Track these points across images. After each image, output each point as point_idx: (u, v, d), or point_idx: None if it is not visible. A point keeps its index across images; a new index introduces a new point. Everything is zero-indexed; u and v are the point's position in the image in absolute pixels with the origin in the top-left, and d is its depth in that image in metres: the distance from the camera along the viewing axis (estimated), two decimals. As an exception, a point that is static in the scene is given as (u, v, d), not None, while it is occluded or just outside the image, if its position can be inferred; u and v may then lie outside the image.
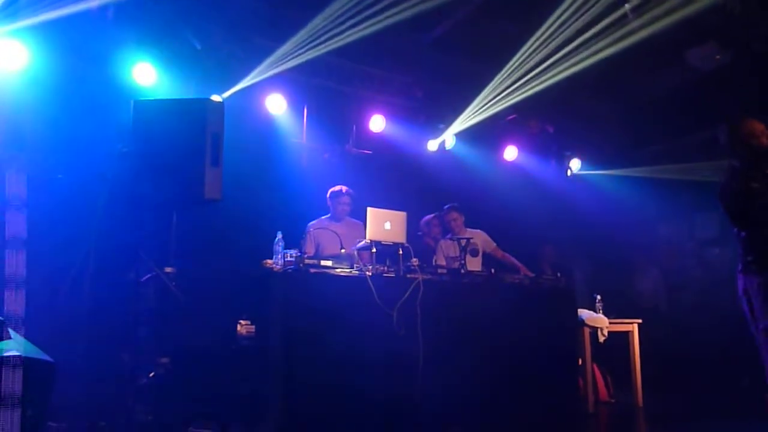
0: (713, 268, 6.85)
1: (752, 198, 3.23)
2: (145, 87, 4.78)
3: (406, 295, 3.89)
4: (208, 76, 4.98)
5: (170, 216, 3.40)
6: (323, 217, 4.91)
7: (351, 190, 4.91)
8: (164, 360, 3.29)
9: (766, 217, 3.23)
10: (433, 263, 4.99)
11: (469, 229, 5.27)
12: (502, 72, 5.82)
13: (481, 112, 6.44)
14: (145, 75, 4.81)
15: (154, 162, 3.30)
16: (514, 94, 6.02)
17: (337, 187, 4.91)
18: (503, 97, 6.02)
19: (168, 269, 3.33)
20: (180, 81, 4.92)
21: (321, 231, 4.68)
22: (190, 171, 3.34)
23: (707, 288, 6.63)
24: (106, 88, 4.52)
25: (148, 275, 3.28)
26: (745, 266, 3.31)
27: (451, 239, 5.10)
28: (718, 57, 5.55)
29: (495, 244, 5.31)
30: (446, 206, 5.36)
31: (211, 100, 3.49)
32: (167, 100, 3.74)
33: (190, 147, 3.37)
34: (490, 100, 6.08)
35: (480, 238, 5.28)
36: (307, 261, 3.79)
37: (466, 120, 6.42)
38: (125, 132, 3.53)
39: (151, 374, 3.28)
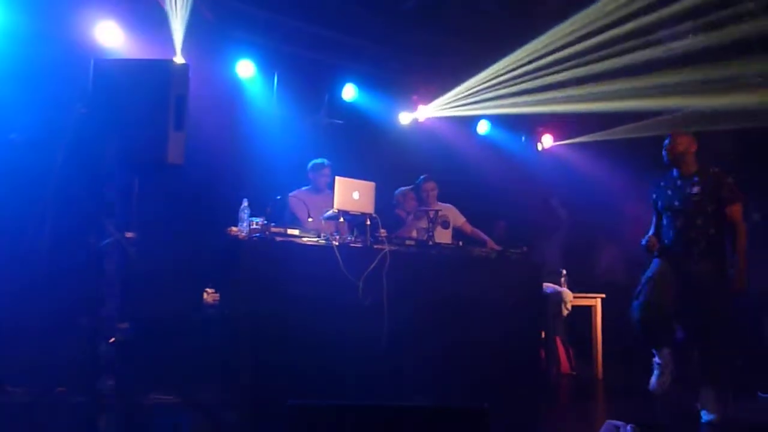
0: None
1: None
2: (108, 47, 4.63)
3: (373, 266, 3.89)
4: (174, 38, 4.82)
5: (132, 180, 3.31)
6: (303, 189, 4.90)
7: (331, 163, 4.92)
8: (124, 325, 3.23)
9: None
10: (404, 234, 5.02)
11: (439, 203, 5.27)
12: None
13: (454, 84, 6.42)
14: (109, 34, 4.65)
15: (115, 124, 3.19)
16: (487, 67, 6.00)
17: (319, 160, 4.94)
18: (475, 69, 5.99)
19: (129, 234, 3.25)
20: (145, 42, 4.76)
21: (297, 201, 4.68)
22: (152, 134, 3.22)
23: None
24: (66, 46, 4.36)
25: (108, 240, 3.20)
26: None
27: (420, 211, 5.10)
28: (690, 36, 5.57)
29: (464, 219, 5.33)
30: (423, 176, 5.35)
31: (176, 62, 3.38)
32: (130, 60, 3.62)
33: (153, 110, 3.25)
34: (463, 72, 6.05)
35: (450, 212, 5.29)
36: (273, 229, 3.75)
37: (439, 92, 6.39)
38: (85, 92, 3.40)
39: (111, 340, 3.22)
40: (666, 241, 3.86)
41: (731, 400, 3.64)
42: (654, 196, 4.00)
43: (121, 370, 3.33)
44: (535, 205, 6.75)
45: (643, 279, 3.93)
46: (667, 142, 3.88)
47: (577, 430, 3.50)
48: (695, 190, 3.74)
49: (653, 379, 3.81)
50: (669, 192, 3.87)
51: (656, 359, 3.85)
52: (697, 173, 3.79)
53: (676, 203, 3.81)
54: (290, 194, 4.77)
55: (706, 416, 3.59)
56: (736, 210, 3.68)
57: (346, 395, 3.71)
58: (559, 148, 7.40)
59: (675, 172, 3.88)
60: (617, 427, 2.85)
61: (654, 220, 4.05)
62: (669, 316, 3.85)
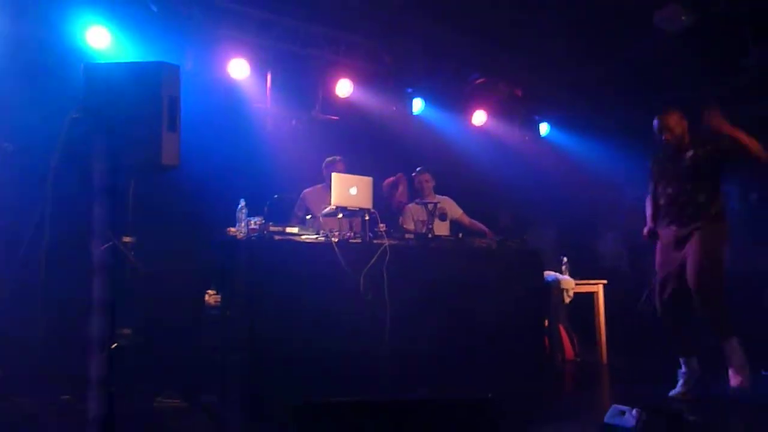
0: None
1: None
2: (98, 51, 4.60)
3: (373, 261, 3.88)
4: (165, 40, 4.80)
5: (127, 184, 3.30)
6: (318, 186, 4.93)
7: (344, 159, 4.94)
8: (126, 331, 3.22)
9: None
10: (400, 226, 5.03)
11: (436, 195, 5.26)
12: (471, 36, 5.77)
13: (449, 76, 6.40)
14: (99, 38, 4.63)
15: (108, 128, 3.17)
16: (483, 58, 5.97)
17: (332, 157, 4.95)
18: (471, 60, 5.96)
19: (126, 239, 3.24)
20: (136, 45, 4.74)
21: (313, 199, 4.73)
22: (145, 137, 3.20)
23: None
24: (57, 52, 4.34)
25: (106, 245, 3.18)
26: None
27: (418, 203, 5.08)
28: (683, 18, 5.54)
29: (461, 211, 5.32)
30: (419, 168, 5.32)
31: (167, 64, 3.33)
32: (120, 63, 3.56)
33: (146, 112, 3.21)
34: (457, 63, 6.02)
35: (447, 204, 5.28)
36: (271, 228, 3.73)
37: (434, 84, 6.37)
38: (77, 98, 3.37)
39: (114, 345, 3.21)
40: (660, 205, 3.97)
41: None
42: (652, 166, 4.10)
43: (125, 375, 3.33)
44: (536, 192, 6.73)
45: (655, 281, 3.98)
46: (656, 121, 3.94)
47: (583, 416, 3.49)
48: (689, 154, 3.83)
49: (676, 389, 3.81)
50: (665, 162, 3.98)
51: (682, 369, 3.84)
52: (691, 141, 3.89)
53: (670, 171, 3.92)
54: (305, 191, 4.83)
55: (734, 379, 3.60)
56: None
57: (351, 392, 3.68)
58: (559, 136, 7.38)
59: (670, 145, 3.93)
60: (623, 412, 2.84)
61: (651, 188, 4.12)
62: (687, 321, 3.86)
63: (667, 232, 3.90)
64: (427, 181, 5.23)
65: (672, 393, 3.79)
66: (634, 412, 2.80)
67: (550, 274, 5.23)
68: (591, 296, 5.48)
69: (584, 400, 4.19)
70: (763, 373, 4.31)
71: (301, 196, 4.86)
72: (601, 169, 7.11)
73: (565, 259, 5.44)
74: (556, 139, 7.37)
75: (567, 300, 5.28)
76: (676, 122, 3.90)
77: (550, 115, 7.34)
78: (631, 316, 5.89)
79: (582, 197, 7.07)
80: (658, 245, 3.98)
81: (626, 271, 6.96)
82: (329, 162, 4.95)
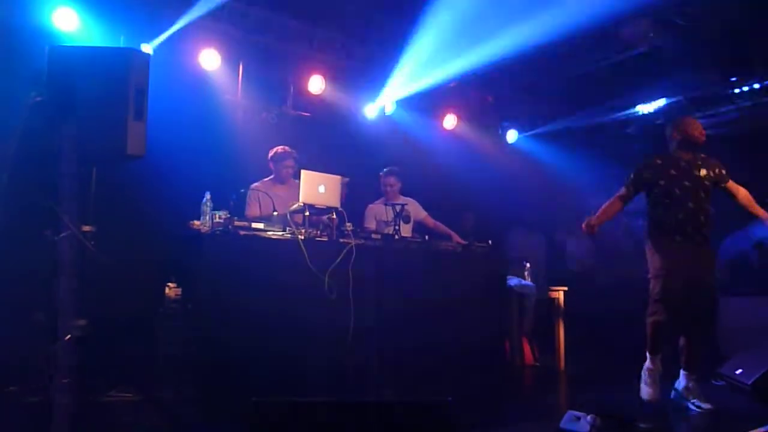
0: (638, 238, 7.17)
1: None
2: (66, 33, 4.47)
3: (339, 260, 3.87)
4: (136, 26, 4.70)
5: (89, 171, 3.21)
6: (266, 179, 4.73)
7: (295, 152, 4.74)
8: (82, 322, 3.14)
9: None
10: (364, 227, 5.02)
11: (401, 197, 5.25)
12: (444, 39, 5.79)
13: (422, 78, 6.42)
14: (67, 20, 4.50)
15: (71, 113, 3.09)
16: (455, 61, 6.01)
17: (280, 148, 4.72)
18: (444, 64, 6.00)
19: (86, 228, 3.16)
20: (105, 30, 4.62)
21: (263, 194, 4.54)
22: (111, 125, 3.14)
23: (633, 257, 6.94)
24: (22, 32, 4.20)
25: (64, 234, 3.10)
26: None
27: (385, 204, 5.09)
28: (651, 35, 5.69)
29: (426, 213, 5.33)
30: (385, 169, 5.30)
31: (136, 50, 3.30)
32: (87, 47, 3.52)
33: (112, 99, 3.16)
34: (431, 66, 6.04)
35: (412, 206, 5.29)
36: (237, 223, 3.69)
37: (406, 85, 6.38)
38: (40, 81, 3.28)
39: (68, 337, 3.13)
40: (672, 219, 3.81)
41: None
42: (646, 173, 3.92)
43: (79, 367, 3.25)
44: (502, 197, 6.81)
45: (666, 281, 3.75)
46: (693, 124, 3.88)
47: (539, 421, 3.54)
48: (703, 172, 3.82)
49: (648, 388, 3.80)
50: (673, 171, 3.83)
51: (649, 365, 3.84)
52: (699, 157, 3.88)
53: (687, 183, 3.79)
54: (252, 186, 4.56)
55: (703, 406, 3.64)
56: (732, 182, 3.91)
57: (312, 391, 3.70)
58: (526, 142, 7.49)
59: (680, 153, 3.87)
60: (578, 417, 2.90)
61: (624, 194, 4.01)
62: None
63: (683, 246, 3.77)
64: (392, 185, 5.19)
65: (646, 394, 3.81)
66: (588, 417, 2.86)
67: (512, 279, 5.30)
68: (552, 302, 5.57)
69: (541, 405, 4.25)
70: (714, 383, 4.45)
71: (251, 190, 4.51)
72: (566, 175, 7.24)
73: (527, 265, 5.52)
74: (524, 146, 7.48)
75: (528, 305, 5.36)
76: (701, 132, 3.87)
77: (519, 122, 7.45)
78: (592, 322, 6.01)
79: (547, 203, 7.18)
80: (668, 253, 3.77)
81: (591, 277, 7.09)
82: (277, 154, 4.70)
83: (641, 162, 4.00)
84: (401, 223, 4.67)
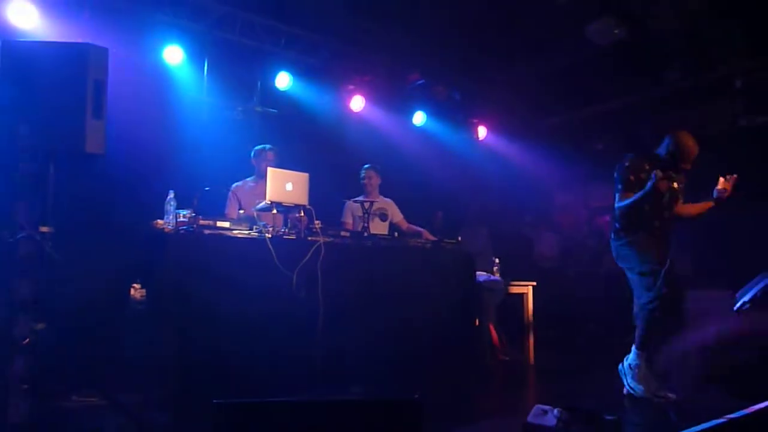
0: (603, 235, 7.31)
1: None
2: (22, 29, 4.33)
3: (307, 258, 3.83)
4: (96, 21, 4.57)
5: (46, 170, 3.11)
6: (248, 179, 4.76)
7: (276, 148, 4.75)
8: (40, 326, 3.04)
9: None
10: (341, 222, 5.08)
11: (381, 197, 5.28)
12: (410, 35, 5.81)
13: (390, 75, 6.42)
14: (22, 15, 4.36)
15: (26, 109, 2.99)
16: (423, 58, 6.02)
17: (261, 146, 4.76)
18: (410, 61, 6.01)
19: (44, 228, 3.06)
20: (63, 26, 4.49)
21: (244, 192, 4.55)
22: (68, 122, 3.05)
23: (596, 253, 7.07)
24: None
25: (21, 235, 3.00)
26: None
27: (356, 201, 5.07)
28: (616, 32, 5.78)
29: (402, 216, 5.37)
30: (367, 165, 5.33)
31: (94, 45, 3.17)
32: (43, 42, 3.38)
33: (69, 96, 3.07)
34: (398, 63, 6.04)
35: (390, 207, 5.32)
36: (201, 222, 3.62)
37: (375, 81, 6.37)
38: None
39: (26, 341, 3.03)
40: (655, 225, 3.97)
41: None
42: (627, 172, 3.97)
43: (38, 371, 3.16)
44: (471, 195, 6.86)
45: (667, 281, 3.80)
46: (690, 144, 3.96)
47: (508, 415, 3.57)
48: (679, 183, 4.03)
49: (644, 384, 3.83)
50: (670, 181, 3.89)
51: (638, 361, 3.86)
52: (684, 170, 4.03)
53: (669, 194, 3.91)
54: (235, 185, 4.61)
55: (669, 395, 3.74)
56: None
57: (281, 391, 3.64)
58: (494, 140, 7.54)
59: (675, 165, 3.97)
60: (545, 411, 2.92)
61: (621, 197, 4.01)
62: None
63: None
64: (371, 178, 5.24)
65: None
66: (555, 411, 2.89)
67: (481, 275, 5.34)
68: (521, 297, 5.63)
69: (510, 399, 4.29)
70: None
71: (231, 191, 4.57)
72: (534, 172, 7.33)
73: (496, 260, 5.56)
74: (492, 142, 7.53)
75: (497, 300, 5.40)
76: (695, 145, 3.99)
77: (487, 118, 7.50)
78: (559, 317, 6.09)
79: (515, 199, 7.26)
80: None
81: (555, 273, 7.19)
82: (258, 151, 4.76)
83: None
84: (378, 221, 4.66)
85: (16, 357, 3.05)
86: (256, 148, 4.79)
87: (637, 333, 3.88)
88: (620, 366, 3.97)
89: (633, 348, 3.91)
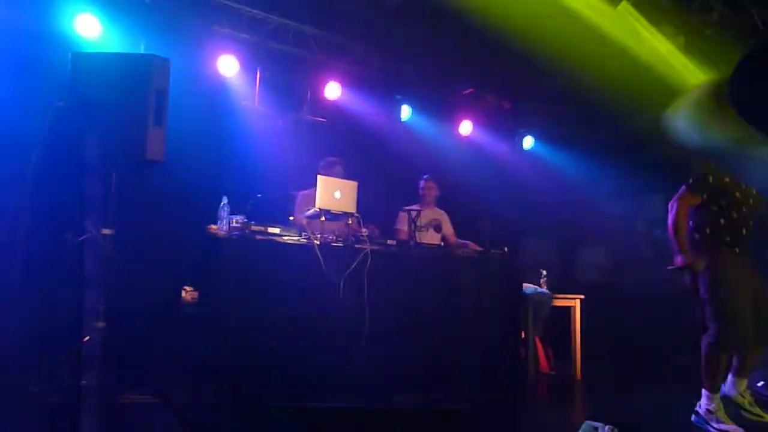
0: (658, 247, 7.09)
1: None
2: (88, 40, 4.55)
3: (354, 265, 3.87)
4: (156, 32, 4.76)
5: (110, 176, 3.25)
6: (313, 188, 4.83)
7: (343, 161, 4.84)
8: (100, 324, 3.17)
9: None
10: (395, 230, 5.13)
11: (436, 209, 5.31)
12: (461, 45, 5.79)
13: (438, 85, 6.42)
14: (88, 27, 4.57)
15: (93, 118, 3.13)
16: (472, 68, 6.00)
17: (330, 159, 4.86)
18: (461, 70, 5.99)
19: (106, 231, 3.19)
20: (125, 36, 4.69)
21: (307, 200, 4.60)
22: (131, 130, 3.18)
23: (652, 266, 6.86)
24: (45, 39, 4.28)
25: (84, 236, 3.13)
26: None
27: (416, 210, 5.07)
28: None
29: (452, 230, 5.38)
30: (425, 175, 5.42)
31: (157, 57, 3.30)
32: (109, 53, 3.56)
33: (133, 105, 3.20)
34: (447, 73, 6.04)
35: (443, 219, 5.33)
36: (253, 227, 3.71)
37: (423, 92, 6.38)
38: (63, 86, 3.33)
39: (86, 338, 3.16)
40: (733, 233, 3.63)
41: None
42: (705, 176, 3.63)
43: (96, 368, 3.28)
44: (520, 205, 6.78)
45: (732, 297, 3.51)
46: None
47: (555, 431, 3.51)
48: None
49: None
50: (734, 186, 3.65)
51: (712, 404, 3.48)
52: None
53: (750, 200, 3.66)
54: (302, 193, 4.69)
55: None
56: None
57: (327, 396, 3.69)
58: (542, 149, 7.45)
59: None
60: (596, 428, 2.86)
61: (690, 204, 3.66)
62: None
63: (743, 257, 3.64)
64: (430, 189, 5.30)
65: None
66: (606, 428, 2.83)
67: (528, 287, 5.27)
68: (568, 310, 5.52)
69: (557, 414, 4.21)
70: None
71: (298, 199, 4.67)
72: (584, 183, 7.18)
73: (544, 272, 5.48)
74: (540, 153, 7.44)
75: (544, 313, 5.32)
76: None
77: (535, 128, 7.41)
78: (608, 331, 5.95)
79: (564, 211, 7.13)
80: (735, 263, 3.58)
81: (608, 286, 7.03)
82: (327, 164, 4.83)
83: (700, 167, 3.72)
84: (432, 232, 4.68)
85: (76, 354, 3.18)
86: (327, 159, 4.86)
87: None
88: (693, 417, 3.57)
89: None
